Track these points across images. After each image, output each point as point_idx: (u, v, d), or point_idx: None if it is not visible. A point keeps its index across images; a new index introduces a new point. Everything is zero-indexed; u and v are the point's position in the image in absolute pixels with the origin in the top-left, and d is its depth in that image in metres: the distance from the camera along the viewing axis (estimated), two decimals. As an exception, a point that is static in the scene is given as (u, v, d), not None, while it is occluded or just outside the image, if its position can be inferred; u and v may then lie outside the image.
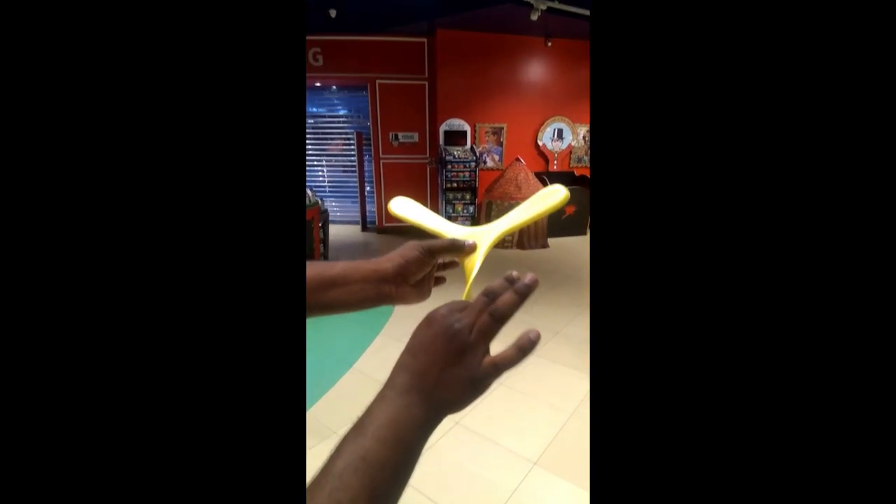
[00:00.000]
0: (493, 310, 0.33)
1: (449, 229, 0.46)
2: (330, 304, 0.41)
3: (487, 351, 0.33)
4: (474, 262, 0.42)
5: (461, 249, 0.43)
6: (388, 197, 6.00)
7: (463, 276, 0.43)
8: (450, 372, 0.31)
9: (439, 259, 0.44)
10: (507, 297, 0.33)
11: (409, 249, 0.43)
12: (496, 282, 0.35)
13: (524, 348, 0.32)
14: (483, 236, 0.44)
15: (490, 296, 0.34)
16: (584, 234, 5.52)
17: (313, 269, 0.41)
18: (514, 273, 0.35)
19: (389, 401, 0.31)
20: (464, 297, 0.39)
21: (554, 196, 0.44)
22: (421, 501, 1.46)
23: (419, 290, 0.44)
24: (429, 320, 0.34)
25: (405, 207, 0.49)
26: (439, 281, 0.48)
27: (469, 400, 0.32)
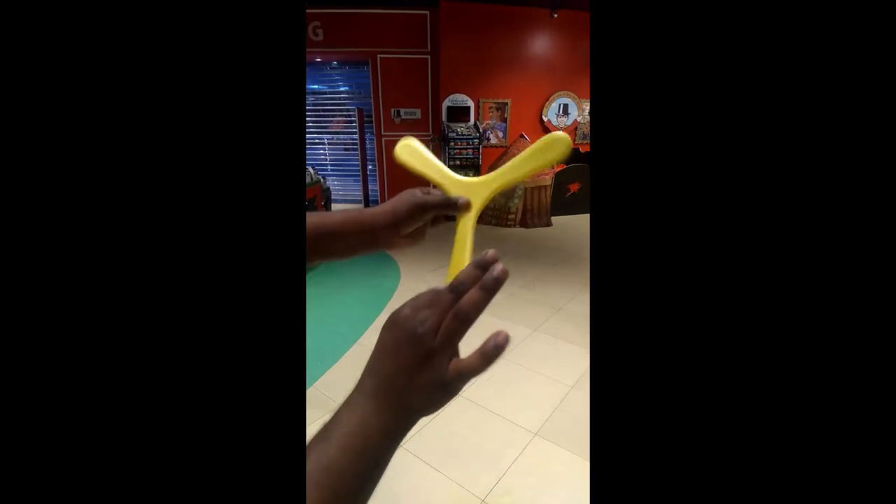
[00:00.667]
0: (458, 311, 0.30)
1: (449, 178, 0.45)
2: (329, 252, 0.44)
3: (455, 353, 0.31)
4: (468, 221, 0.41)
5: (454, 207, 0.42)
6: (391, 175, 6.04)
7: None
8: (417, 377, 0.30)
9: (431, 214, 0.44)
10: (472, 294, 0.30)
11: (402, 203, 0.43)
12: (465, 270, 0.32)
13: (488, 355, 0.29)
14: (481, 189, 0.43)
15: (456, 290, 0.31)
16: (588, 212, 5.49)
17: (312, 218, 0.42)
18: (488, 254, 0.32)
19: (357, 406, 0.30)
20: (452, 263, 0.39)
21: (556, 146, 0.41)
22: (425, 470, 1.52)
23: (412, 239, 0.46)
24: (393, 322, 0.32)
25: (411, 154, 0.47)
26: (437, 222, 0.48)
27: (439, 404, 0.31)
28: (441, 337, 0.30)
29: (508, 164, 0.43)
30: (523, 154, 0.42)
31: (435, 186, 0.46)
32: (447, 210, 0.43)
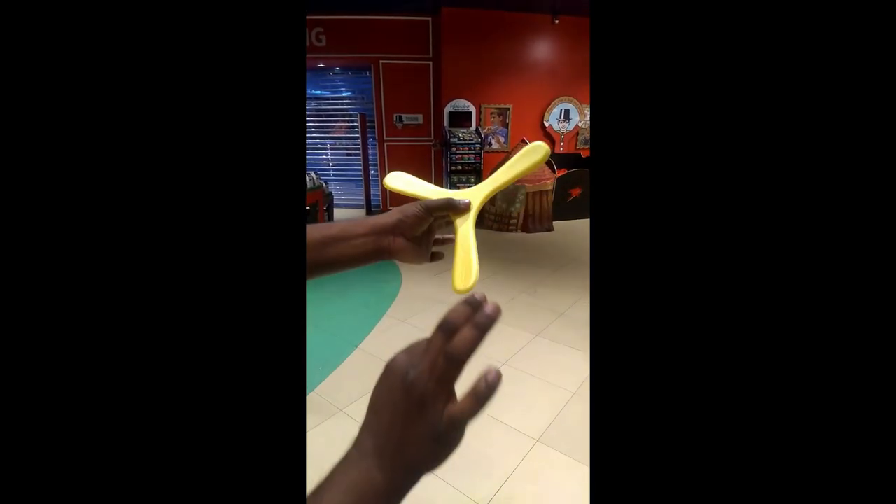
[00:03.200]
0: (449, 352, 0.28)
1: (443, 193, 0.48)
2: (332, 260, 0.43)
3: (450, 397, 0.29)
4: (468, 223, 0.44)
5: (457, 207, 0.44)
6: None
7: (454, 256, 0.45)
8: (412, 430, 0.28)
9: (436, 215, 0.45)
10: (465, 333, 0.28)
11: (407, 206, 0.45)
12: (455, 308, 0.30)
13: (481, 396, 0.27)
14: (474, 195, 0.46)
15: (446, 330, 0.29)
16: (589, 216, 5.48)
17: (314, 229, 0.43)
18: (478, 296, 0.30)
19: (352, 464, 0.28)
20: (457, 263, 0.41)
21: (535, 153, 0.46)
22: (424, 478, 1.50)
23: (417, 248, 0.46)
24: (387, 372, 0.30)
25: (399, 180, 0.52)
26: (436, 256, 0.50)
27: (440, 458, 0.29)
28: (432, 381, 0.28)
29: (496, 172, 0.47)
30: (509, 162, 0.47)
31: None
32: (451, 210, 0.44)
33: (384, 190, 5.86)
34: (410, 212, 0.44)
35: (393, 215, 0.44)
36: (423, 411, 0.28)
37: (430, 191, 0.49)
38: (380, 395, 0.30)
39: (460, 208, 0.44)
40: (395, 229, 0.44)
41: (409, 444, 0.28)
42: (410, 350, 0.30)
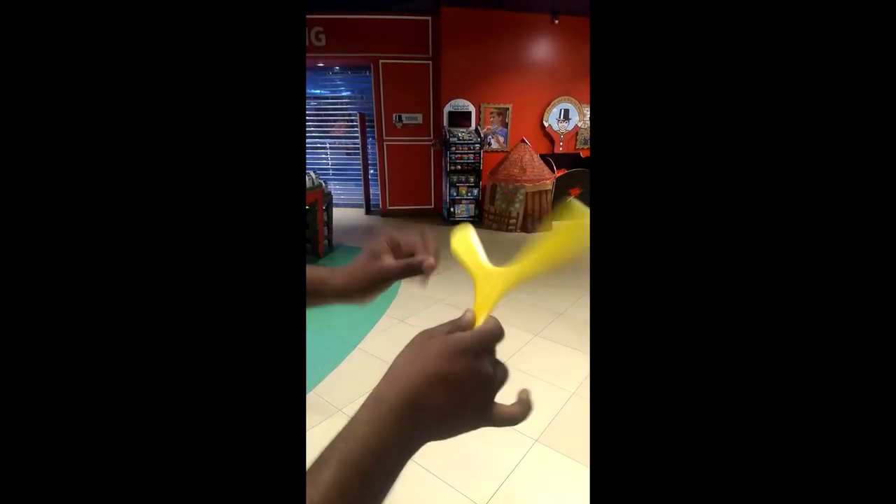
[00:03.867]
0: (480, 330, 0.32)
1: (479, 266, 0.39)
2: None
3: (496, 366, 0.32)
4: (485, 307, 0.35)
5: (417, 271, 0.41)
6: (392, 179, 6.09)
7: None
8: (464, 414, 0.30)
9: (394, 281, 0.44)
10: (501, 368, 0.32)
11: (363, 273, 0.43)
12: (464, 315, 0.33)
13: (526, 405, 0.32)
14: (503, 278, 0.37)
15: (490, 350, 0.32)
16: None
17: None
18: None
19: (369, 415, 0.28)
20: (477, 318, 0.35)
21: (575, 234, 0.35)
22: (426, 477, 1.51)
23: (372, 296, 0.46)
24: (420, 335, 0.32)
25: (463, 244, 0.41)
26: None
27: (454, 434, 0.31)
28: (471, 337, 0.31)
29: (533, 255, 0.37)
30: (546, 244, 0.37)
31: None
32: (410, 275, 0.42)
33: (383, 190, 5.88)
34: (365, 280, 0.43)
35: (353, 279, 0.43)
36: (487, 406, 0.31)
37: (474, 263, 0.39)
38: (410, 351, 0.31)
39: (422, 271, 0.41)
40: (351, 291, 0.44)
41: (451, 420, 0.30)
42: (475, 346, 0.31)
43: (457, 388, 0.29)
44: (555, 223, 0.37)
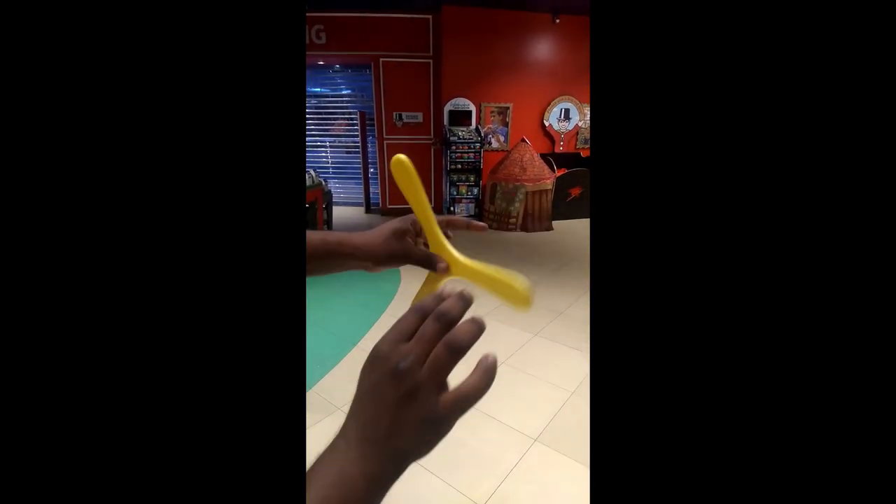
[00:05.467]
0: (451, 342, 0.28)
1: (434, 235, 0.43)
2: (324, 270, 0.48)
3: (444, 386, 0.28)
4: (436, 284, 0.42)
5: (432, 267, 0.43)
6: (392, 178, 5.98)
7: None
8: (401, 417, 0.27)
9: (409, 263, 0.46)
10: (466, 326, 0.28)
11: (386, 242, 0.45)
12: (448, 301, 0.30)
13: (489, 371, 0.28)
14: (455, 266, 0.42)
15: (443, 321, 0.29)
16: (589, 216, 5.49)
17: (314, 236, 0.46)
18: (466, 293, 0.30)
19: (339, 453, 0.28)
20: (513, 298, 0.36)
21: (515, 299, 0.36)
22: (423, 476, 1.51)
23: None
24: (372, 362, 0.29)
25: (404, 175, 0.42)
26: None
27: (431, 444, 0.29)
28: (428, 369, 0.28)
29: (486, 270, 0.39)
30: (492, 274, 0.38)
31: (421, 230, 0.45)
32: (425, 267, 0.44)
33: (383, 188, 5.87)
34: (387, 250, 0.45)
35: (369, 245, 0.46)
36: (415, 399, 0.27)
37: (425, 220, 0.43)
38: (366, 383, 0.29)
39: (436, 271, 0.42)
40: (367, 258, 0.46)
41: (398, 432, 0.28)
42: (396, 337, 0.29)
43: (379, 399, 0.28)
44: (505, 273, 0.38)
